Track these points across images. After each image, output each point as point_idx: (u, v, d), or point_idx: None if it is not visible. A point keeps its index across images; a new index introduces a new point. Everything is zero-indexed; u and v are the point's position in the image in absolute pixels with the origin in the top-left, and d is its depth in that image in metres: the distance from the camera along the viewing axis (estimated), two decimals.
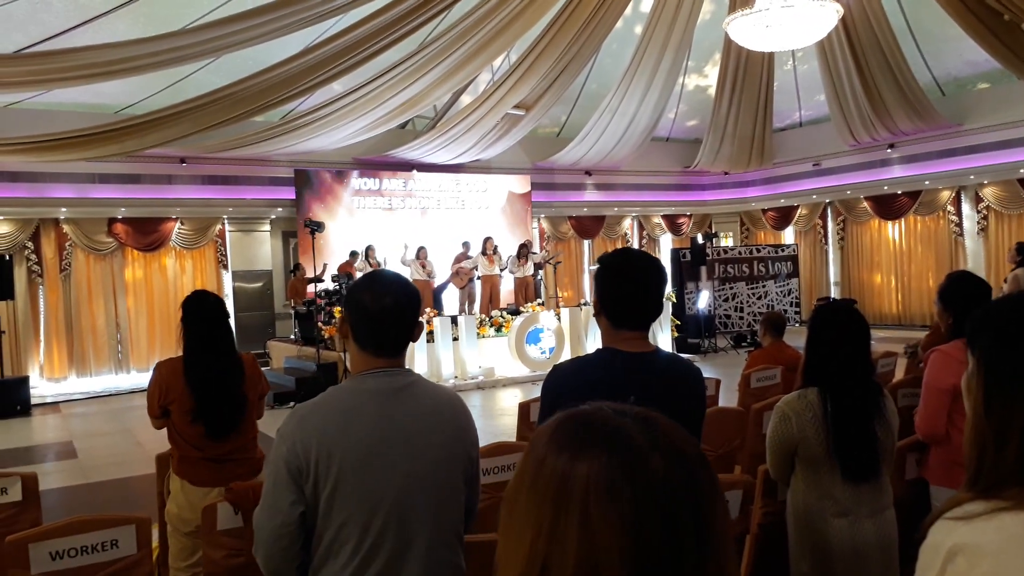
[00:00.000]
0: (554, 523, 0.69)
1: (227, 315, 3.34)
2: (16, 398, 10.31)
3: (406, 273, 12.90)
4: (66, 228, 12.71)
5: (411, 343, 1.93)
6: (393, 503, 1.73)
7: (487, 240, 13.65)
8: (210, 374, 3.17)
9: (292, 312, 13.15)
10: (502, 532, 0.76)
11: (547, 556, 0.69)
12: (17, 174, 11.85)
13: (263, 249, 14.55)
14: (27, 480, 3.22)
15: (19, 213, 12.23)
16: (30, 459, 7.70)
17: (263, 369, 3.49)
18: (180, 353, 3.25)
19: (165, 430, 3.31)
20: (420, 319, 1.92)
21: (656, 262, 2.10)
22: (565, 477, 0.70)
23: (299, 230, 13.54)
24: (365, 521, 1.71)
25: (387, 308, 1.81)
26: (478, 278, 13.75)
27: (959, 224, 15.53)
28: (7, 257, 11.11)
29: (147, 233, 13.28)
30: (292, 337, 13.08)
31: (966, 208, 15.47)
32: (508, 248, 14.45)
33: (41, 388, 12.17)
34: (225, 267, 14.17)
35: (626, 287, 2.02)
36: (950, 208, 15.56)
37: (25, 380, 10.82)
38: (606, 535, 0.67)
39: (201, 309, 3.24)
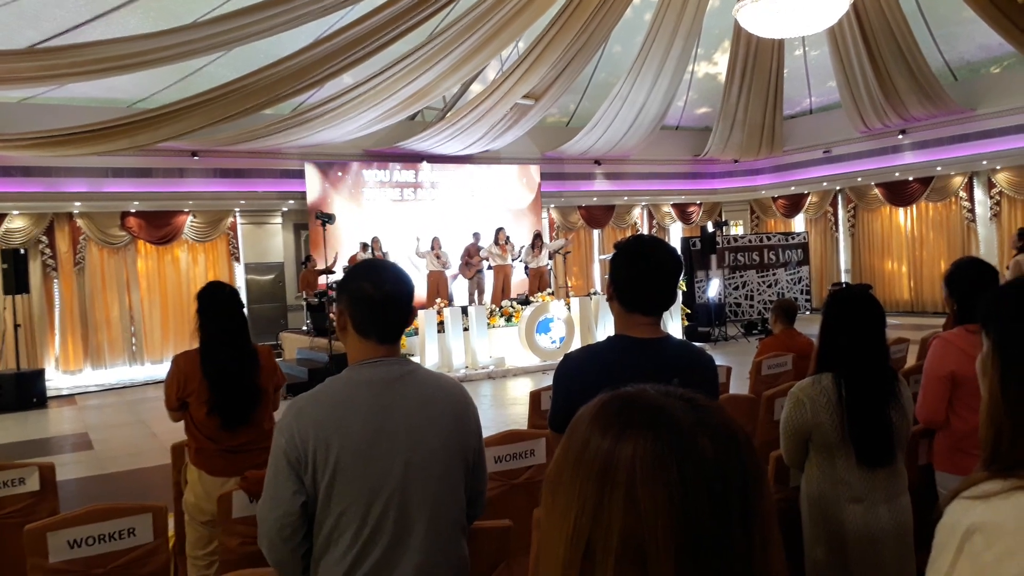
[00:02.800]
0: (599, 502, 0.69)
1: (242, 306, 3.34)
2: (32, 391, 10.41)
3: (421, 265, 12.94)
4: (80, 222, 12.80)
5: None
6: (391, 492, 1.75)
7: (499, 230, 13.64)
8: (227, 366, 3.18)
9: (304, 304, 13.21)
10: (545, 514, 0.75)
11: (591, 535, 0.69)
12: (30, 169, 11.93)
13: (275, 241, 14.61)
14: (44, 470, 3.26)
15: (33, 208, 12.33)
16: (47, 451, 7.79)
17: (277, 360, 3.50)
18: (196, 345, 3.25)
19: (183, 422, 3.34)
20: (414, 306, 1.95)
21: (670, 249, 2.10)
22: (610, 456, 0.70)
23: (310, 222, 13.58)
24: (363, 510, 1.73)
25: (390, 295, 1.83)
26: (490, 268, 13.75)
27: (971, 210, 15.39)
28: (22, 251, 11.23)
29: (160, 226, 13.35)
30: (304, 328, 13.14)
31: (978, 194, 15.33)
32: (517, 238, 14.43)
33: (57, 380, 12.27)
34: (237, 259, 14.23)
35: (638, 270, 2.03)
36: (962, 194, 15.42)
37: (41, 373, 10.91)
38: (652, 513, 0.67)
39: (216, 301, 3.25)
